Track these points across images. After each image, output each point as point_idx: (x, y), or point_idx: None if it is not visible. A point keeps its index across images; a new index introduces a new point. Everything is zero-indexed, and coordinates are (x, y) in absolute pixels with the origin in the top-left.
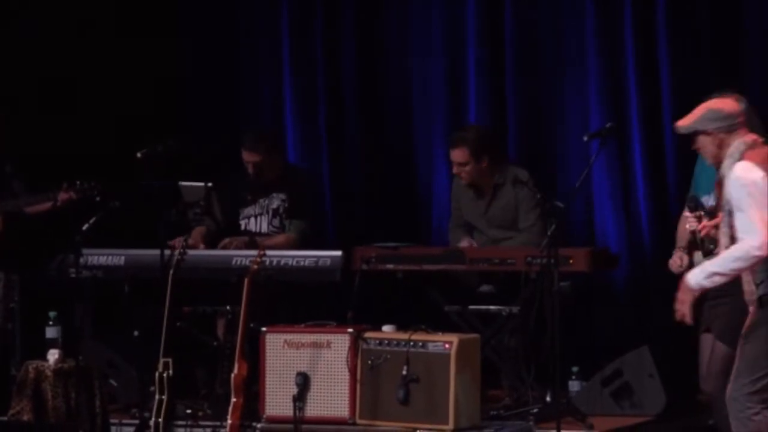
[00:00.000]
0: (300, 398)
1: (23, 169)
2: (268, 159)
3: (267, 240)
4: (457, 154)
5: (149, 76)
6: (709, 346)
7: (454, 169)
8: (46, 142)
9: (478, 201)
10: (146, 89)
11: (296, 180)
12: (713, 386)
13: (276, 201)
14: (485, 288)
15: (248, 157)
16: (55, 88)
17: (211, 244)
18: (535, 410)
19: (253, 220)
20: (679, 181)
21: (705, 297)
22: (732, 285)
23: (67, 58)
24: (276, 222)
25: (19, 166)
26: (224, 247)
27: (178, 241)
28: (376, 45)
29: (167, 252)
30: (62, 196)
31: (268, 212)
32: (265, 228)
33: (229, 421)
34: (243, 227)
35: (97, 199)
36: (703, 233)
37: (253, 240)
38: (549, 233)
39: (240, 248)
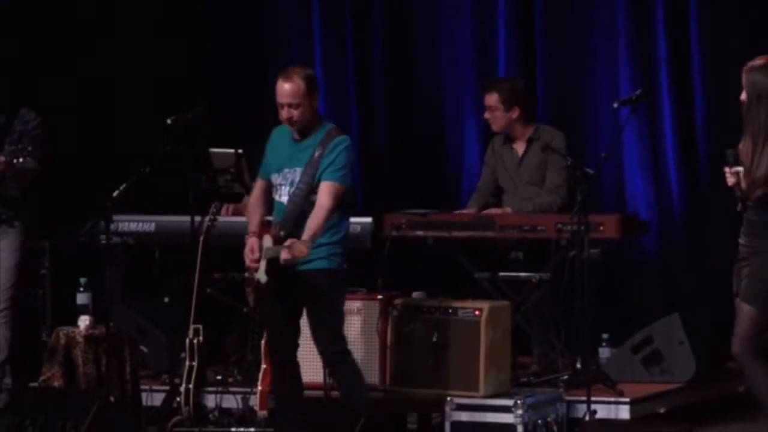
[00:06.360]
0: None
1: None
2: None
3: None
4: (488, 98)
5: (177, 40)
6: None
7: (485, 114)
8: (76, 106)
9: (513, 155)
10: (176, 54)
11: None
12: (739, 348)
13: None
14: (516, 255)
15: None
16: (86, 54)
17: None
18: (565, 377)
19: None
20: (709, 146)
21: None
22: (751, 248)
23: (97, 28)
24: None
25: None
26: None
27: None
28: (405, 10)
29: (198, 218)
30: None
31: None
32: None
33: (260, 388)
34: None
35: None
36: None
37: None
38: (579, 199)
39: None
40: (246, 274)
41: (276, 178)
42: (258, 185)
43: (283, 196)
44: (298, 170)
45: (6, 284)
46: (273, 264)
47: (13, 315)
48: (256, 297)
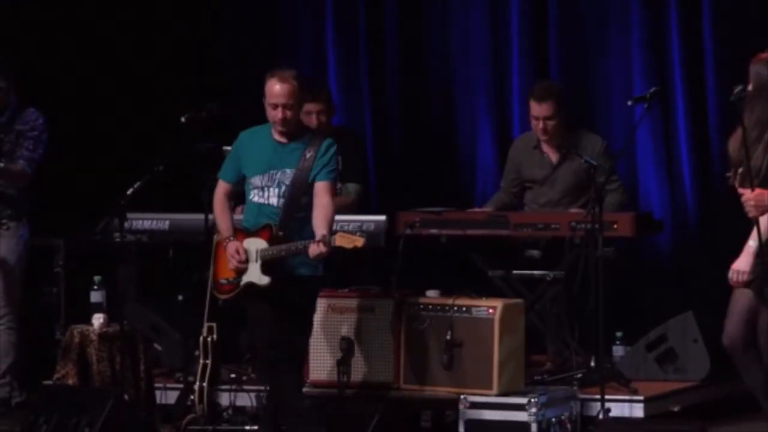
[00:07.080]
0: (344, 363)
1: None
2: (326, 112)
3: None
4: (543, 109)
5: (187, 36)
6: (737, 300)
7: (540, 125)
8: (90, 104)
9: (545, 161)
10: (186, 50)
11: (347, 142)
12: (733, 334)
13: None
14: (532, 253)
15: (311, 107)
16: (93, 49)
17: None
18: (579, 375)
19: None
20: (723, 145)
21: None
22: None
23: (105, 18)
24: None
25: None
26: None
27: None
28: (418, 8)
29: (212, 216)
30: None
31: None
32: None
33: None
34: None
35: None
36: None
37: None
38: (592, 197)
39: None
40: (223, 280)
41: (259, 180)
42: (221, 188)
43: (271, 198)
44: (288, 171)
45: (5, 288)
46: (270, 265)
47: (16, 318)
48: (246, 299)
